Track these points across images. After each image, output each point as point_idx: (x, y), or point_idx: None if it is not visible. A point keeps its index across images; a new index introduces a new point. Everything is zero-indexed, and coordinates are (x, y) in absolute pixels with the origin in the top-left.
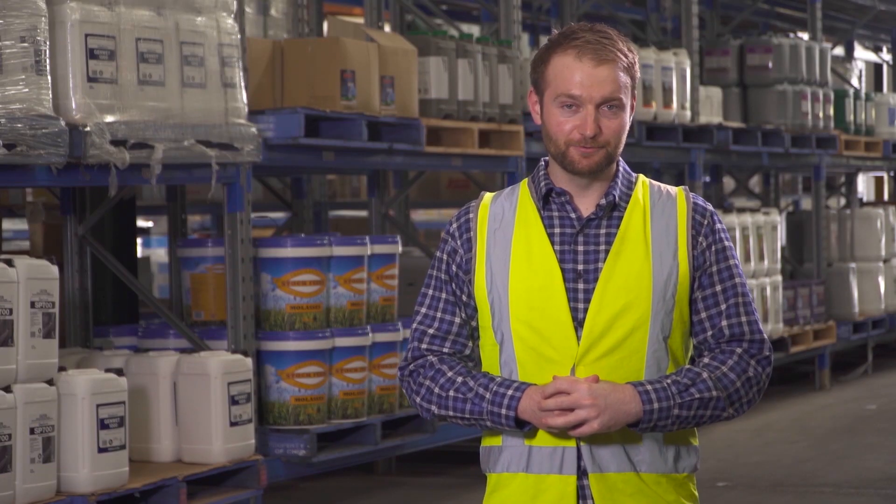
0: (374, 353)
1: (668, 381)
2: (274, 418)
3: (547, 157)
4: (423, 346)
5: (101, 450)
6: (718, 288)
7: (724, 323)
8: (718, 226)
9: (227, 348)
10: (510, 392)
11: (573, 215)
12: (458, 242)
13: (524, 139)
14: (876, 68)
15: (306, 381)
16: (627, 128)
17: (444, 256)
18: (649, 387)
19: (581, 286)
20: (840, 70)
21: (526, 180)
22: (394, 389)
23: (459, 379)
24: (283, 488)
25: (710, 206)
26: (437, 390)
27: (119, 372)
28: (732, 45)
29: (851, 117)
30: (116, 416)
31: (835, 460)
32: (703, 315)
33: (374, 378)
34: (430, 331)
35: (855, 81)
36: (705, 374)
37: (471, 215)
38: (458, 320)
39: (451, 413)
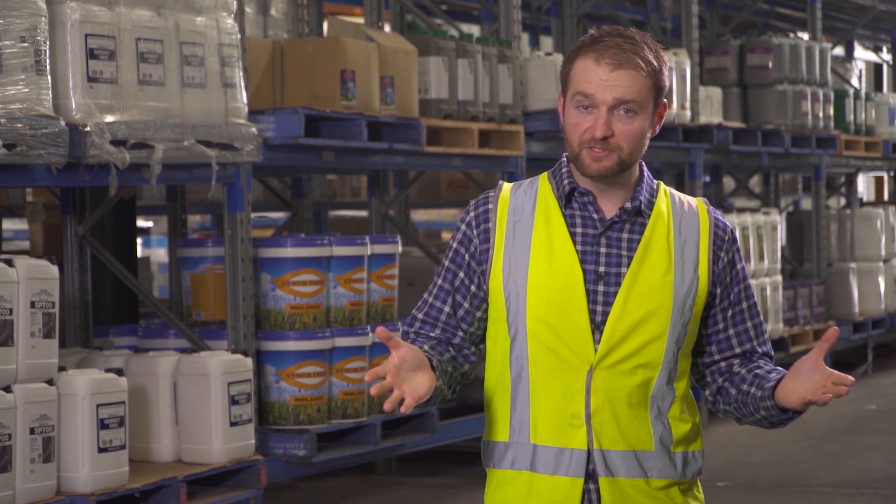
0: (375, 353)
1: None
2: (274, 418)
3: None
4: (412, 330)
5: (101, 450)
6: (744, 305)
7: (755, 342)
8: (737, 245)
9: (227, 348)
10: None
11: (595, 216)
12: (475, 232)
13: (524, 139)
14: (876, 68)
15: (306, 381)
16: (647, 136)
17: (455, 245)
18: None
19: (601, 289)
20: (840, 70)
21: (546, 174)
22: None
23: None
24: (283, 488)
25: (729, 223)
26: None
27: (119, 372)
28: (732, 45)
29: (851, 117)
30: (116, 416)
31: (835, 460)
32: (731, 332)
33: None
34: (420, 315)
35: (855, 81)
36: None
37: (490, 206)
38: (447, 308)
39: None
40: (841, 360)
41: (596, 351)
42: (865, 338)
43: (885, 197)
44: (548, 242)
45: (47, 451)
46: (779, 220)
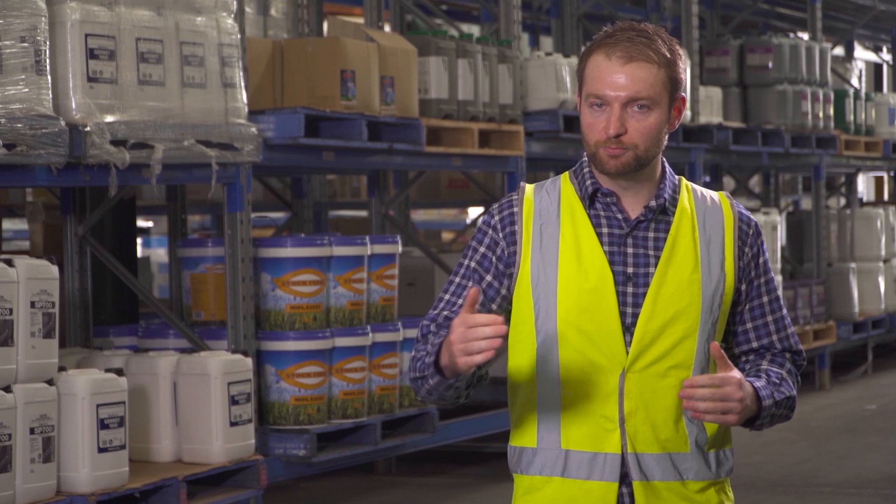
0: (374, 353)
1: (763, 378)
2: (274, 418)
3: None
4: (434, 327)
5: (101, 450)
6: (765, 299)
7: (774, 337)
8: (761, 238)
9: (227, 348)
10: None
11: (620, 216)
12: (501, 235)
13: (524, 139)
14: (876, 68)
15: (306, 381)
16: (664, 130)
17: (482, 248)
18: (758, 383)
19: (630, 290)
20: (840, 70)
21: (567, 174)
22: (394, 389)
23: (430, 338)
24: (283, 488)
25: (753, 217)
26: (415, 354)
27: (119, 372)
28: (732, 45)
29: (851, 117)
30: (116, 416)
31: (835, 460)
32: (749, 325)
33: (374, 378)
34: (447, 314)
35: (855, 81)
36: (784, 373)
37: (515, 209)
38: (477, 307)
39: (414, 374)
40: (841, 360)
41: (628, 353)
42: (865, 338)
43: (885, 197)
44: (575, 245)
45: (47, 451)
46: (779, 220)
